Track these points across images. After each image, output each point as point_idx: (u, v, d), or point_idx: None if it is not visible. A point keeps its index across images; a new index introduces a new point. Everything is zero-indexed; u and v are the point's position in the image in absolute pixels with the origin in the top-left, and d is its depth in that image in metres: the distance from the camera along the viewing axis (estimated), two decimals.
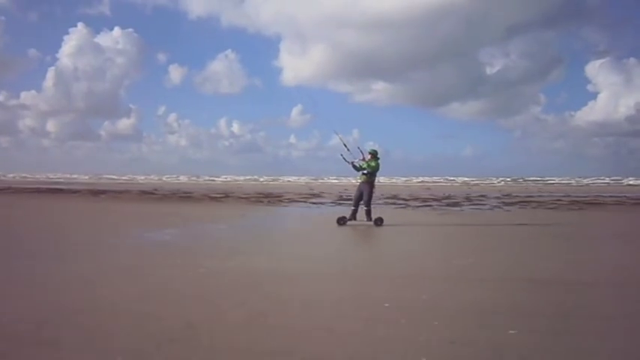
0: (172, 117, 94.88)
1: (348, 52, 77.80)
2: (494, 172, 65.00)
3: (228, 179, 64.91)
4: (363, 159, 11.14)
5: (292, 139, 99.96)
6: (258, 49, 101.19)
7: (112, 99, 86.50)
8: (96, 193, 25.63)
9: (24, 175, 67.65)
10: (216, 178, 65.99)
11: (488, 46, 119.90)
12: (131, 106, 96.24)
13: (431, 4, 70.57)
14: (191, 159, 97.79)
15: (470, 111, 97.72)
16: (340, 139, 11.41)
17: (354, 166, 11.18)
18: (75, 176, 68.93)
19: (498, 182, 53.70)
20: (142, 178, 66.32)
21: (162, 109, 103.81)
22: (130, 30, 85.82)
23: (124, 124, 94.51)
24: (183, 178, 67.21)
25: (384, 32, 77.30)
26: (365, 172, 11.08)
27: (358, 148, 11.37)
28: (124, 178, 65.71)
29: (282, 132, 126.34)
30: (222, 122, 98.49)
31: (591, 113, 79.25)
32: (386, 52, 78.29)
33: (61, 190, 28.05)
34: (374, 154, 11.18)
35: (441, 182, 55.72)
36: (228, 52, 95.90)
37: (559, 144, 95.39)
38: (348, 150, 11.29)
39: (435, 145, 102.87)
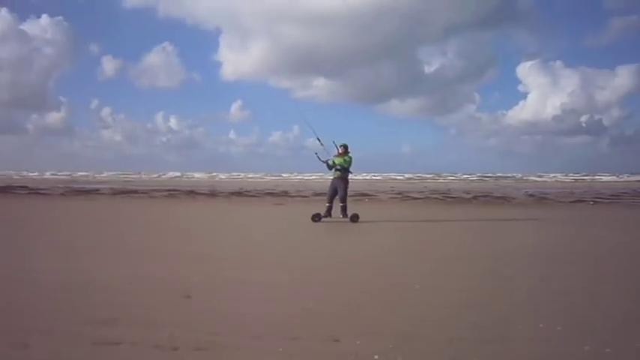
0: (106, 111, 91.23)
1: (288, 47, 77.22)
2: (434, 168, 66.25)
3: (175, 175, 61.99)
4: (337, 154, 10.89)
5: (232, 135, 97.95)
6: (196, 43, 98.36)
7: (40, 91, 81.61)
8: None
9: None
10: (162, 175, 62.76)
11: (426, 45, 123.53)
12: (61, 98, 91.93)
13: (371, 2, 71.01)
14: (127, 155, 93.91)
15: (408, 108, 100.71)
16: (316, 135, 11.08)
17: (328, 165, 10.89)
18: (7, 172, 63.22)
19: (470, 178, 54.88)
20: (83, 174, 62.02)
21: (95, 103, 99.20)
22: (60, 18, 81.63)
23: (54, 117, 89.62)
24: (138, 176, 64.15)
25: (325, 28, 77.53)
26: (338, 168, 10.81)
27: (333, 142, 11.09)
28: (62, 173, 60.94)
29: (221, 128, 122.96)
30: (159, 117, 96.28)
31: (522, 112, 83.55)
32: (327, 48, 78.61)
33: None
34: (345, 148, 10.92)
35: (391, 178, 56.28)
36: (166, 44, 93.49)
37: (492, 141, 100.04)
38: (322, 145, 10.98)
39: (375, 142, 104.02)
